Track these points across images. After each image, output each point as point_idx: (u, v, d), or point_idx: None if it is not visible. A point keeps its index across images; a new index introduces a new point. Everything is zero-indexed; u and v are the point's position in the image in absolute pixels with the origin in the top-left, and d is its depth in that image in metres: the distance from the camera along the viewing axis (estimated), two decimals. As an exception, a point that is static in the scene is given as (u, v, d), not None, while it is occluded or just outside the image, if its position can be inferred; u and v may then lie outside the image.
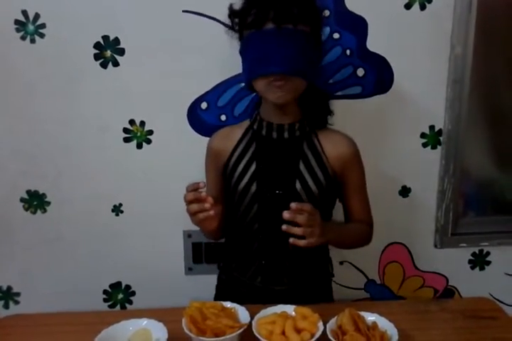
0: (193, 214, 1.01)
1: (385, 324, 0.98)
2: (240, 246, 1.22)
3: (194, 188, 0.99)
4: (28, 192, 1.45)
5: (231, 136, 1.20)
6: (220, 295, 1.30)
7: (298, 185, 1.12)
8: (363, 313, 1.00)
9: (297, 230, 0.95)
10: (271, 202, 1.14)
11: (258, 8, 1.03)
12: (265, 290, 1.18)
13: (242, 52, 1.09)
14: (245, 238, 1.20)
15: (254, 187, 1.14)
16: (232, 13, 1.11)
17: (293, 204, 0.95)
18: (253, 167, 1.14)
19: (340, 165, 1.15)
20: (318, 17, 1.10)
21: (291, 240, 0.96)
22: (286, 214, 0.94)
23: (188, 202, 1.00)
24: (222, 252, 1.31)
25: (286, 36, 1.01)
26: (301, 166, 1.13)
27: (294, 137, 1.14)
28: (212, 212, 0.99)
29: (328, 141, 1.16)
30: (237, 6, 1.10)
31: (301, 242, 0.97)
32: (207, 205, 0.98)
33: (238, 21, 1.10)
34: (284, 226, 0.95)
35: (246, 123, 1.21)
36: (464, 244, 1.59)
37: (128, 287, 1.56)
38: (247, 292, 1.20)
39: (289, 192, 1.12)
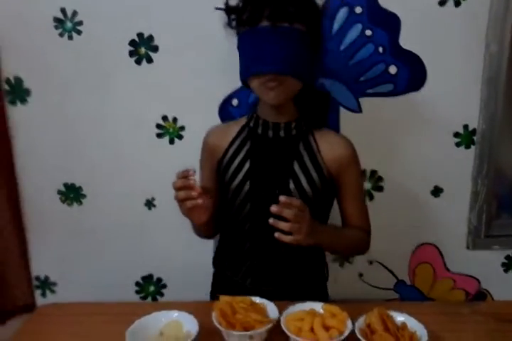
0: (180, 202, 0.99)
1: (414, 324, 0.97)
2: (232, 245, 1.21)
3: (184, 175, 0.97)
4: (65, 184, 1.49)
5: (227, 133, 1.17)
6: (215, 292, 1.27)
7: (291, 185, 1.10)
8: (392, 313, 0.99)
9: (284, 225, 0.93)
10: (264, 201, 1.09)
11: (253, 5, 1.01)
12: (255, 291, 1.10)
13: (238, 48, 1.07)
14: (237, 237, 1.18)
15: (247, 186, 1.12)
16: (228, 9, 1.09)
17: (282, 198, 0.93)
18: (247, 165, 1.12)
19: (336, 167, 1.12)
20: (317, 15, 1.07)
21: (276, 234, 0.94)
22: (273, 208, 0.92)
23: (177, 189, 0.98)
24: (216, 250, 1.29)
25: (281, 35, 0.99)
26: (296, 166, 1.11)
27: (290, 136, 1.12)
28: (200, 201, 0.97)
29: (325, 142, 1.13)
30: (233, 2, 1.08)
31: (287, 238, 0.94)
32: (194, 193, 0.96)
33: (234, 17, 1.07)
34: (270, 220, 0.93)
35: (243, 120, 1.18)
36: (497, 246, 1.56)
37: (159, 280, 1.59)
38: (239, 291, 1.11)
39: (282, 192, 1.08)
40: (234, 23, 1.08)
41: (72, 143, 1.46)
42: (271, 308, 1.03)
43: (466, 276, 1.59)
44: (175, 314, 1.01)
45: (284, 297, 1.11)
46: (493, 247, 1.57)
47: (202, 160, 1.23)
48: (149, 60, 1.38)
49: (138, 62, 1.38)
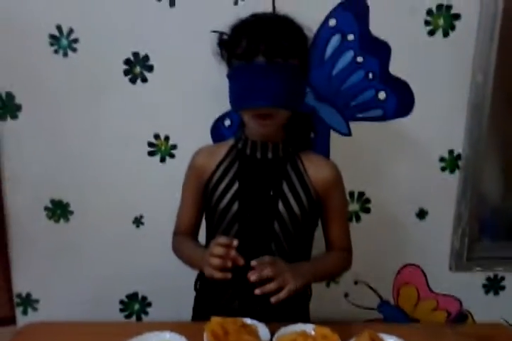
0: (210, 267, 0.97)
1: (403, 347, 0.99)
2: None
3: (227, 244, 0.97)
4: (53, 201, 1.48)
5: (215, 154, 1.18)
6: (197, 316, 1.27)
7: (281, 206, 1.11)
8: (381, 335, 1.01)
9: (271, 286, 0.96)
10: (252, 222, 1.12)
11: (249, 40, 1.01)
12: (242, 312, 1.09)
13: (229, 78, 1.08)
14: None
15: (235, 207, 1.12)
16: (222, 42, 1.10)
17: (253, 262, 0.96)
18: (235, 186, 1.12)
19: (322, 189, 1.14)
20: (306, 47, 1.09)
21: (273, 300, 0.96)
22: (252, 277, 0.95)
23: (214, 255, 0.97)
24: (198, 274, 1.27)
25: (276, 70, 1.00)
26: (285, 187, 1.12)
27: (278, 157, 1.13)
28: (229, 276, 0.96)
29: (311, 164, 1.15)
30: (226, 36, 1.10)
31: (282, 294, 0.97)
32: (229, 264, 0.96)
33: (227, 50, 1.09)
34: (257, 291, 0.95)
35: (231, 141, 1.19)
36: (479, 268, 1.60)
37: (144, 298, 1.58)
38: (223, 313, 1.07)
39: (272, 213, 1.11)
40: (225, 55, 1.10)
41: (61, 159, 1.45)
42: (262, 330, 1.03)
43: (448, 297, 1.62)
44: (167, 335, 1.00)
45: (266, 317, 1.10)
46: (475, 269, 1.60)
47: (187, 180, 1.22)
48: (144, 80, 1.40)
49: (133, 81, 1.40)
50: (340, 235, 1.21)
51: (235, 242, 0.97)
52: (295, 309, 1.22)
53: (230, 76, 1.08)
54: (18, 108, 1.41)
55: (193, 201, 1.21)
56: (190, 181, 1.21)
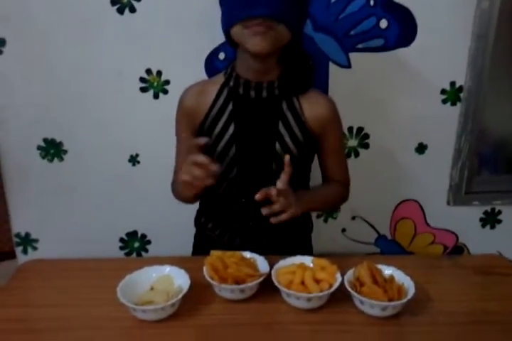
0: (191, 178, 0.94)
1: (401, 277, 1.00)
2: (217, 208, 1.19)
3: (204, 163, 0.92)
4: (45, 140, 1.44)
5: (206, 93, 1.11)
6: (198, 252, 1.28)
7: (277, 146, 1.08)
8: (380, 266, 1.02)
9: (276, 206, 0.96)
10: (250, 164, 1.10)
11: None
12: (242, 249, 1.09)
13: None
14: (223, 201, 1.16)
15: (233, 150, 1.09)
16: None
17: (259, 195, 0.94)
18: (231, 129, 1.08)
19: (318, 126, 1.11)
20: None
21: (273, 220, 0.97)
22: (257, 195, 0.94)
23: (193, 163, 0.92)
24: (198, 211, 1.27)
25: None
26: (281, 127, 1.08)
27: (273, 96, 1.07)
28: (211, 182, 0.93)
29: (307, 101, 1.10)
30: None
31: (283, 216, 0.98)
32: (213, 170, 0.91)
33: None
34: (263, 211, 0.95)
35: (220, 78, 1.11)
36: (477, 202, 1.60)
37: (144, 236, 1.59)
38: (225, 249, 1.07)
39: (269, 153, 1.09)
40: None
41: (51, 96, 1.40)
42: (261, 263, 1.04)
43: (445, 231, 1.64)
44: (166, 269, 1.01)
45: (271, 251, 1.12)
46: (473, 203, 1.60)
47: (180, 124, 1.16)
48: (132, 10, 1.31)
49: (120, 11, 1.31)
50: (338, 171, 1.20)
51: (203, 139, 0.94)
52: (298, 241, 1.24)
53: None
54: (2, 43, 1.34)
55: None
56: (183, 124, 1.15)
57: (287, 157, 0.97)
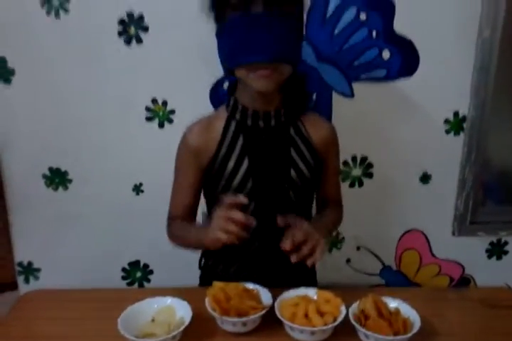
0: (224, 232, 0.92)
1: (407, 310, 0.98)
2: (236, 247, 1.02)
3: (237, 203, 0.94)
4: (51, 169, 1.45)
5: (211, 129, 1.08)
6: (205, 284, 1.22)
7: (293, 173, 1.08)
8: (385, 299, 1.00)
9: (304, 250, 0.94)
10: (267, 196, 1.08)
11: None
12: (247, 280, 1.08)
13: (220, 35, 0.98)
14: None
15: (250, 184, 1.06)
16: None
17: (280, 221, 0.97)
18: (245, 162, 1.06)
19: (324, 148, 1.13)
20: None
21: (309, 263, 0.95)
22: (285, 245, 0.93)
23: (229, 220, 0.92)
24: (202, 252, 1.25)
25: (276, 20, 0.91)
26: (293, 153, 1.08)
27: (281, 123, 1.07)
28: (245, 235, 0.92)
29: (310, 124, 1.11)
30: None
31: (318, 255, 0.96)
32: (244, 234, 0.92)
33: (219, 1, 0.97)
34: (293, 259, 0.94)
35: (223, 112, 1.09)
36: (482, 233, 1.58)
37: (146, 266, 1.57)
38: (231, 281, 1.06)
39: (285, 182, 1.07)
40: (217, 6, 0.98)
41: (57, 126, 1.42)
42: (264, 294, 1.03)
43: (451, 262, 1.61)
44: (168, 300, 1.00)
45: (275, 281, 1.10)
46: (478, 234, 1.59)
47: (183, 162, 1.12)
48: (139, 40, 1.34)
49: (127, 41, 1.34)
50: (336, 190, 1.24)
51: (244, 199, 0.94)
52: (303, 272, 1.21)
53: (221, 30, 0.98)
54: (11, 73, 1.37)
55: (193, 181, 1.12)
56: (186, 162, 1.11)
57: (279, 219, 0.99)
